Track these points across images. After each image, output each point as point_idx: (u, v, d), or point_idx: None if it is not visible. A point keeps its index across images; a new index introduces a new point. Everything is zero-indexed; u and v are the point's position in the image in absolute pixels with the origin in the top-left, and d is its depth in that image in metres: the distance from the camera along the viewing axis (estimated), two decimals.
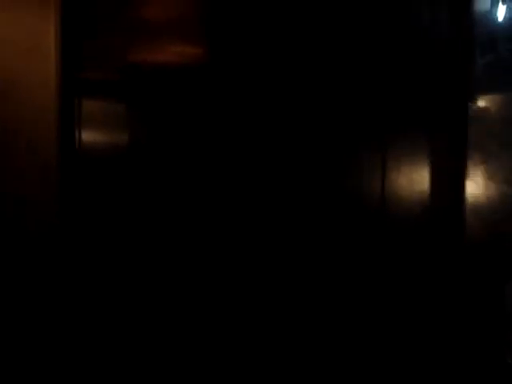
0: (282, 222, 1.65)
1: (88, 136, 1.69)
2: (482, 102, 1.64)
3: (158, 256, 1.68)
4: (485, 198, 1.62)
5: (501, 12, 1.65)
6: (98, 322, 1.68)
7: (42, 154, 1.62)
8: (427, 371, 1.63)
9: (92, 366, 1.67)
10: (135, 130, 1.70)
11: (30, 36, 1.61)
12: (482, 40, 1.65)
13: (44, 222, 1.63)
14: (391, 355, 1.64)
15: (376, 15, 1.63)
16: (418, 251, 1.64)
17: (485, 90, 1.64)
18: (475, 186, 1.62)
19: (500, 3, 1.65)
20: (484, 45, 1.66)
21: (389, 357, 1.64)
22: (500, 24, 1.66)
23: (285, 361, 1.65)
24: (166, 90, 1.67)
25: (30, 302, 1.64)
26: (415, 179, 1.64)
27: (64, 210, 1.65)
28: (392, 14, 1.63)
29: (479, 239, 1.62)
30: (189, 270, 1.67)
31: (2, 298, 1.63)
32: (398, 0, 1.64)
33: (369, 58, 1.63)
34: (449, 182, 1.63)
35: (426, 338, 1.63)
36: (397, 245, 1.64)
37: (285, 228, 1.65)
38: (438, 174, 1.63)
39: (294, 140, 1.65)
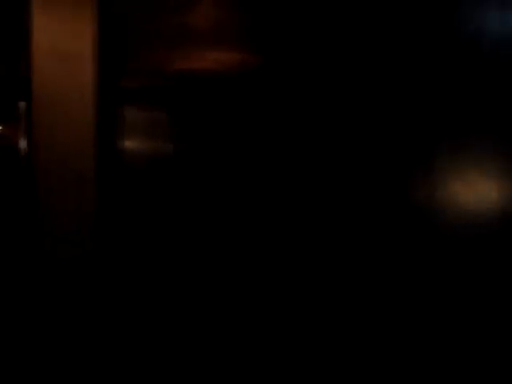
0: (343, 228, 1.58)
1: (130, 145, 1.66)
2: None
3: (203, 266, 1.64)
4: None
5: None
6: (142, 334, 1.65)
7: (79, 163, 1.60)
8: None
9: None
10: (178, 139, 1.66)
11: (67, 44, 1.60)
12: None
13: (81, 232, 1.60)
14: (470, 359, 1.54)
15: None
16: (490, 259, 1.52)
17: None
18: None
19: None
20: None
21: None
22: None
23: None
24: (209, 97, 1.63)
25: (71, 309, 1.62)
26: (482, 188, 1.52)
27: (102, 222, 1.62)
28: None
29: None
30: (235, 283, 1.63)
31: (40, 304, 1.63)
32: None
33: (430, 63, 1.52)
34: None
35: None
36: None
37: (348, 233, 1.58)
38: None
39: (346, 148, 1.57)
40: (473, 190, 1.52)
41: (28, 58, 1.61)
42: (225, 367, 1.64)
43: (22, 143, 1.68)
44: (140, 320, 1.66)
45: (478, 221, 1.50)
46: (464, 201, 1.52)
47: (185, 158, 1.65)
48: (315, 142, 1.60)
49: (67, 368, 1.61)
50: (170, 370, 1.64)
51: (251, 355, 1.62)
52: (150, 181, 1.67)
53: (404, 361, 1.54)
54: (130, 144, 1.67)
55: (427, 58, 1.52)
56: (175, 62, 1.66)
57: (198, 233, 1.65)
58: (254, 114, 1.61)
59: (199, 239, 1.65)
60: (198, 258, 1.65)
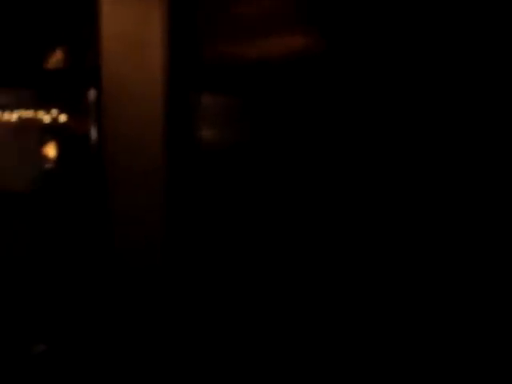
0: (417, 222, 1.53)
1: (201, 133, 1.62)
2: None
3: (278, 259, 1.60)
4: None
5: None
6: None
7: (148, 153, 1.57)
8: None
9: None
10: (254, 126, 1.62)
11: (137, 31, 1.57)
12: None
13: (151, 222, 1.57)
14: None
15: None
16: None
17: None
18: None
19: None
20: None
21: None
22: None
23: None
24: (282, 83, 1.59)
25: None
26: None
27: (173, 212, 1.58)
28: None
29: None
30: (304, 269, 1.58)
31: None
32: None
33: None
34: None
35: None
36: None
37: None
38: None
39: (412, 136, 1.51)
40: None
41: (97, 46, 1.58)
42: (299, 364, 1.60)
43: (92, 132, 1.67)
44: (215, 313, 1.63)
45: None
46: None
47: (262, 145, 1.61)
48: (383, 123, 1.54)
49: (142, 361, 1.60)
50: (243, 366, 1.62)
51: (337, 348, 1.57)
52: (223, 170, 1.63)
53: None
54: (201, 133, 1.64)
55: None
56: (250, 48, 1.62)
57: (281, 228, 1.61)
58: (327, 97, 1.57)
59: (281, 235, 1.61)
60: (274, 251, 1.61)
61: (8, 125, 1.70)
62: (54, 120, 1.69)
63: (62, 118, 1.69)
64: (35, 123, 1.69)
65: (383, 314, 1.54)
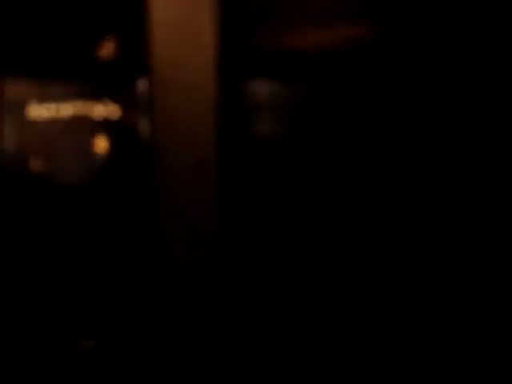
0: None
1: (255, 126, 1.58)
2: None
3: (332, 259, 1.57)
4: None
5: None
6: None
7: (200, 146, 1.52)
8: None
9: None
10: (306, 116, 1.57)
11: (188, 18, 1.52)
12: None
13: (202, 218, 1.53)
14: None
15: None
16: None
17: None
18: None
19: None
20: None
21: None
22: None
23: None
24: (332, 73, 1.55)
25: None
26: None
27: (224, 208, 1.53)
28: None
29: None
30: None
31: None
32: None
33: None
34: None
35: None
36: None
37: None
38: None
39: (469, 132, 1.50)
40: None
41: (146, 34, 1.54)
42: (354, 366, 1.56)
43: (142, 124, 1.62)
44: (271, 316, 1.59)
45: None
46: None
47: (318, 136, 1.57)
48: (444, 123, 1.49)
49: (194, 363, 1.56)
50: (296, 370, 1.57)
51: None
52: (278, 164, 1.58)
53: None
54: (254, 123, 1.59)
55: None
56: (303, 36, 1.57)
57: (340, 225, 1.56)
58: (378, 89, 1.53)
59: (340, 231, 1.56)
60: (332, 247, 1.57)
61: (56, 118, 1.67)
62: (103, 111, 1.66)
63: (111, 109, 1.65)
64: (83, 115, 1.66)
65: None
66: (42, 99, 1.65)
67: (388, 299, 1.55)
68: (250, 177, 1.59)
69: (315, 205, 1.57)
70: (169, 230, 1.54)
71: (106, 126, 1.65)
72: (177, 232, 1.54)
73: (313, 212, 1.58)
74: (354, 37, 1.55)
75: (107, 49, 1.67)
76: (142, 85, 1.61)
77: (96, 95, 1.65)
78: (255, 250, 1.59)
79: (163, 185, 1.55)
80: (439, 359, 1.54)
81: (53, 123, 1.67)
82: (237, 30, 1.57)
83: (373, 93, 1.54)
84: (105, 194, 1.67)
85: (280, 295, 1.58)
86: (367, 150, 1.55)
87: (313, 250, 1.57)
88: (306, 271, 1.57)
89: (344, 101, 1.56)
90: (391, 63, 1.52)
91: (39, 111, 1.66)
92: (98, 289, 1.66)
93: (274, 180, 1.59)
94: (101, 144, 1.66)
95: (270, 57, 1.59)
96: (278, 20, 1.58)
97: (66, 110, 1.66)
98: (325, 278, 1.57)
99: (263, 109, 1.59)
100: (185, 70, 1.53)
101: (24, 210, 1.66)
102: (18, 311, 1.66)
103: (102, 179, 1.66)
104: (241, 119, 1.59)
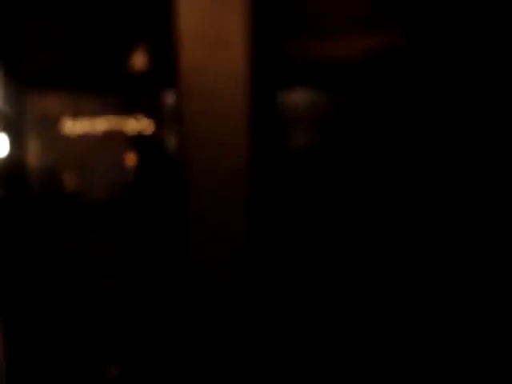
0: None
1: (289, 138, 1.55)
2: None
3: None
4: None
5: None
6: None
7: (231, 160, 1.47)
8: None
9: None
10: (340, 126, 1.55)
11: (218, 27, 1.48)
12: None
13: (232, 233, 1.49)
14: None
15: None
16: None
17: None
18: None
19: None
20: None
21: None
22: None
23: None
24: (367, 82, 1.52)
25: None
26: None
27: (255, 223, 1.49)
28: None
29: None
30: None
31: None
32: None
33: None
34: None
35: None
36: None
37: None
38: None
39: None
40: None
41: (175, 45, 1.51)
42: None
43: (171, 136, 1.59)
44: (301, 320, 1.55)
45: None
46: None
47: (353, 146, 1.52)
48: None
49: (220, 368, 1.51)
50: (321, 373, 1.54)
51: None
52: (312, 176, 1.54)
53: None
54: (287, 133, 1.55)
55: None
56: (338, 45, 1.53)
57: (373, 236, 1.52)
58: (409, 94, 1.49)
59: (372, 242, 1.52)
60: (364, 258, 1.53)
61: (88, 132, 1.65)
62: (132, 124, 1.63)
63: (143, 122, 1.63)
64: (113, 128, 1.64)
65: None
66: (75, 114, 1.64)
67: (415, 303, 1.52)
68: (283, 188, 1.55)
69: (350, 218, 1.53)
70: (198, 242, 1.50)
71: (134, 139, 1.63)
72: (206, 244, 1.49)
73: (347, 225, 1.54)
74: (389, 45, 1.51)
75: (136, 61, 1.64)
76: (170, 96, 1.58)
77: (126, 109, 1.62)
78: (286, 263, 1.55)
79: (193, 197, 1.51)
80: (441, 359, 1.51)
81: (85, 138, 1.66)
82: (270, 38, 1.54)
83: (408, 102, 1.50)
84: (136, 206, 1.65)
85: (309, 305, 1.55)
86: (405, 161, 1.51)
87: (345, 263, 1.54)
88: (336, 282, 1.54)
89: (378, 110, 1.52)
90: (427, 71, 1.48)
91: (72, 126, 1.65)
92: (126, 307, 1.63)
93: (307, 191, 1.55)
94: (130, 157, 1.63)
95: (304, 65, 1.55)
96: (312, 28, 1.55)
97: (98, 124, 1.65)
98: (359, 290, 1.54)
99: (297, 118, 1.55)
100: (215, 80, 1.49)
101: (58, 223, 1.65)
102: (47, 331, 1.63)
103: (133, 192, 1.64)
104: (274, 130, 1.54)
